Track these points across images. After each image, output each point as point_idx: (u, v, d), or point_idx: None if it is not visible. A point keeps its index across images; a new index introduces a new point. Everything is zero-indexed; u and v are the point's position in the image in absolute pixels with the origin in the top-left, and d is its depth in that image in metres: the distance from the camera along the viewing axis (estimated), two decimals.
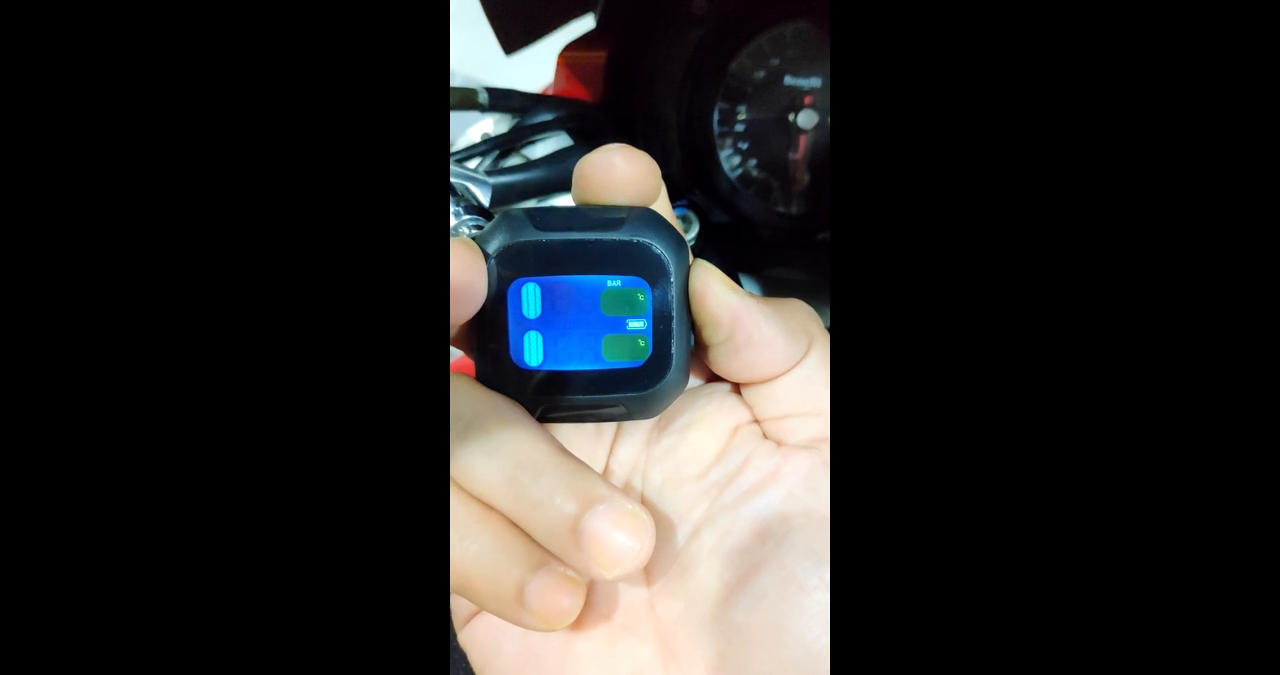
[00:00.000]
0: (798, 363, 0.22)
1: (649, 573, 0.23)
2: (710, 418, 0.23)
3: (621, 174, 0.22)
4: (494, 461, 0.20)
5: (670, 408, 0.24)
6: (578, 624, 0.23)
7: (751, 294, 0.22)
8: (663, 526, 0.23)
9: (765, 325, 0.22)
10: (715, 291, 0.22)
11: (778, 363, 0.22)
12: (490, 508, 0.20)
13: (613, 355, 0.22)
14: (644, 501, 0.23)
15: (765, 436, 0.23)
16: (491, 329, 0.22)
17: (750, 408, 0.24)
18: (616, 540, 0.19)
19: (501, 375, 0.22)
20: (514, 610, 0.19)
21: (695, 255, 0.23)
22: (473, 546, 0.19)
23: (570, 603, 0.19)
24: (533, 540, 0.20)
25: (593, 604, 0.23)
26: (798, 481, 0.22)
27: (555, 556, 0.20)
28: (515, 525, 0.20)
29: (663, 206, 0.24)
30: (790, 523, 0.21)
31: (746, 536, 0.21)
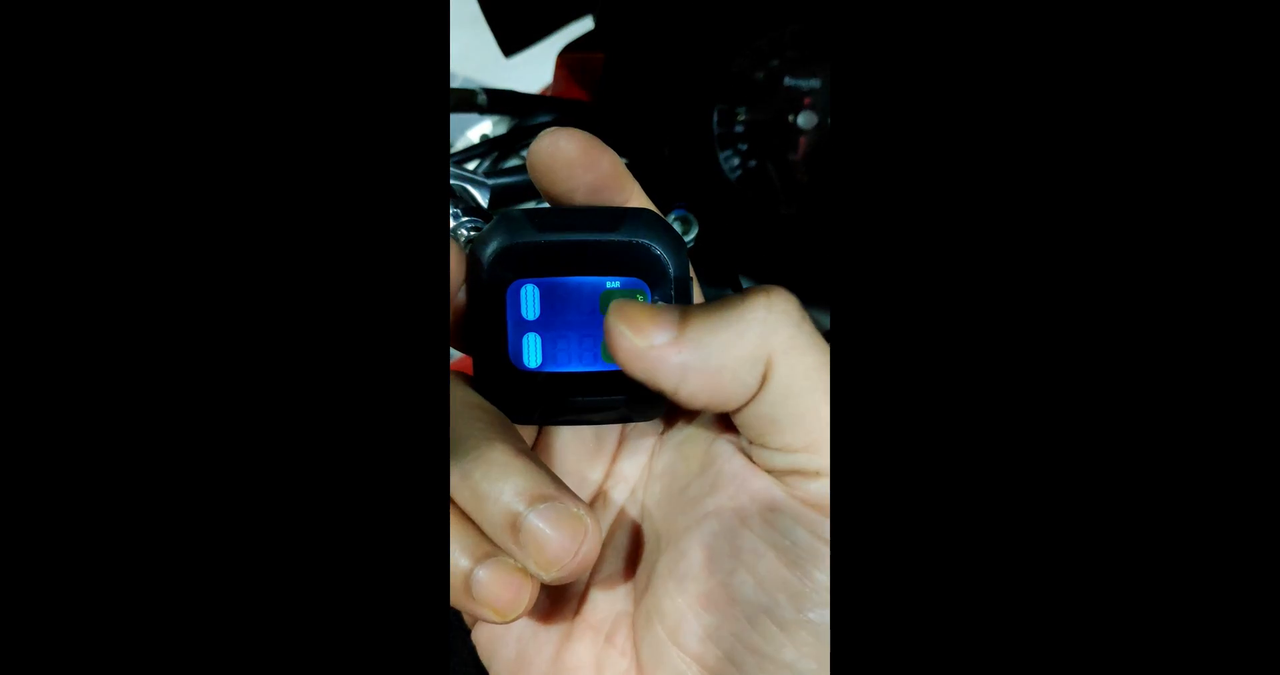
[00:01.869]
0: (754, 396, 0.20)
1: (634, 587, 0.23)
2: (700, 430, 0.23)
3: (567, 153, 0.21)
4: (453, 455, 0.19)
5: (672, 421, 0.24)
6: (568, 633, 0.23)
7: (683, 315, 0.19)
8: (649, 543, 0.23)
9: (693, 375, 0.19)
10: (622, 348, 0.19)
11: (721, 402, 0.20)
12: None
13: (612, 357, 0.22)
14: (643, 517, 0.23)
15: (741, 450, 0.22)
16: (490, 331, 0.22)
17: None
18: (556, 541, 0.18)
19: (500, 377, 0.22)
20: (464, 600, 0.19)
21: (694, 257, 0.23)
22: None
23: (517, 594, 0.19)
24: (482, 533, 0.20)
25: (583, 614, 0.23)
26: (755, 513, 0.20)
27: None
28: (469, 518, 0.20)
29: (636, 191, 0.23)
30: (740, 557, 0.20)
31: (697, 564, 0.21)
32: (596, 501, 0.24)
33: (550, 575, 0.19)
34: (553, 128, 0.21)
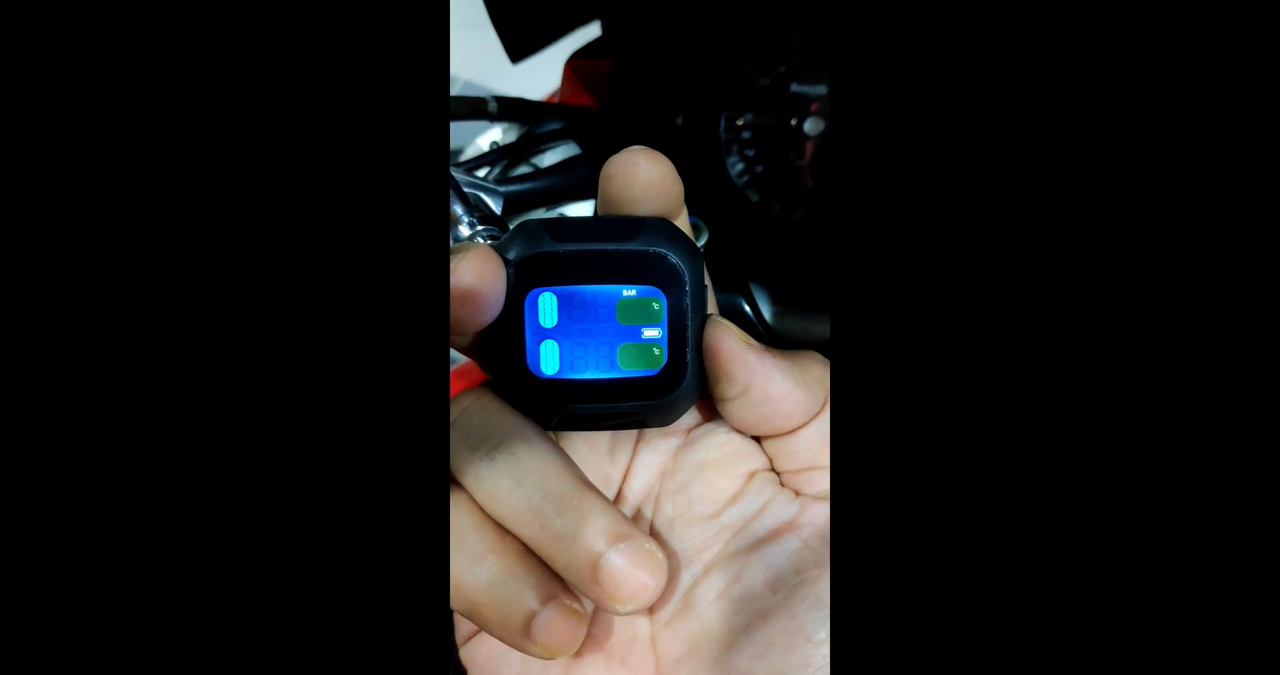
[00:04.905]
0: (815, 416, 0.22)
1: (652, 609, 0.23)
2: (728, 459, 0.23)
3: (645, 175, 0.22)
4: (520, 489, 0.20)
5: (689, 442, 0.24)
6: (578, 654, 0.23)
7: (768, 347, 0.22)
8: (671, 563, 0.23)
9: (780, 379, 0.22)
10: (728, 347, 0.22)
11: (794, 417, 0.22)
12: (506, 533, 0.20)
13: (628, 364, 0.22)
14: (654, 534, 0.24)
15: (783, 485, 0.23)
16: (507, 338, 0.22)
17: (770, 458, 0.24)
18: (635, 578, 0.19)
19: (517, 384, 0.22)
20: (519, 638, 0.20)
21: (705, 262, 0.23)
22: (485, 573, 0.20)
23: (574, 635, 0.20)
24: (544, 570, 0.20)
25: (594, 636, 0.23)
26: (814, 533, 0.22)
27: (564, 588, 0.20)
28: (529, 553, 0.20)
29: (682, 218, 0.24)
30: (803, 574, 0.21)
31: (757, 583, 0.21)
32: None
33: (625, 609, 0.20)
34: (637, 146, 0.22)
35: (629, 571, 0.19)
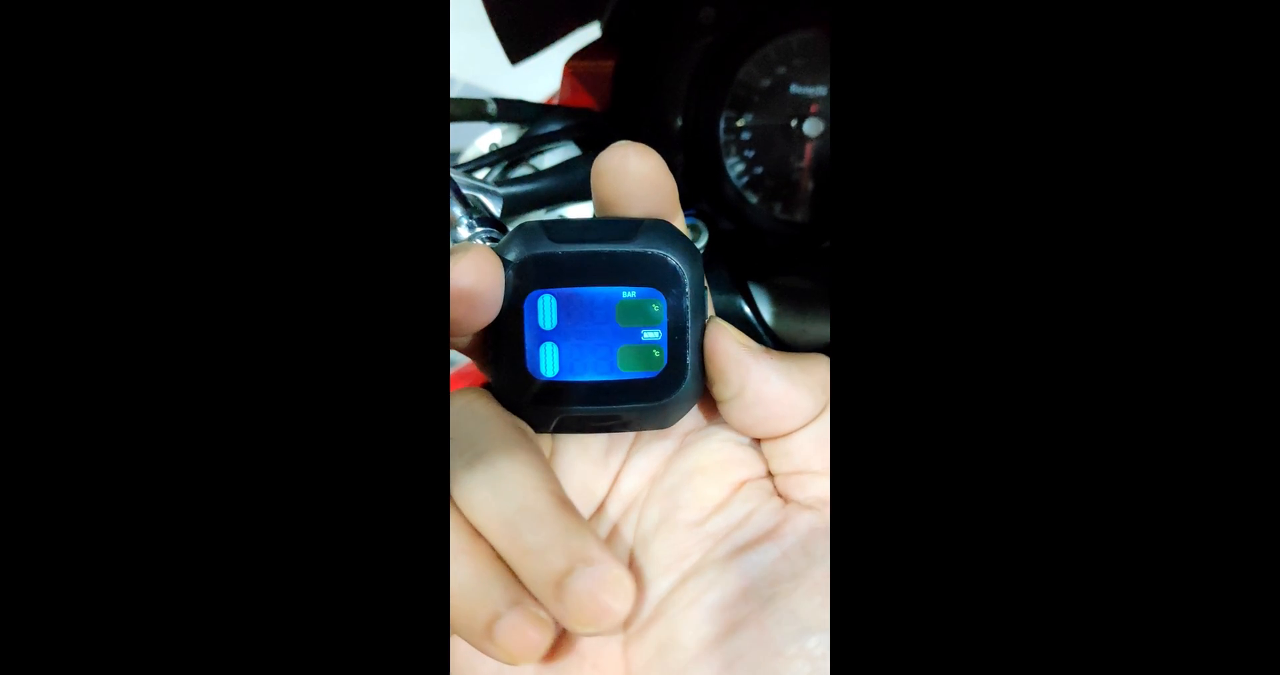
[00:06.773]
0: (813, 419, 0.22)
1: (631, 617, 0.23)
2: (719, 467, 0.23)
3: (636, 170, 0.22)
4: (496, 499, 0.20)
5: (683, 447, 0.24)
6: (550, 658, 0.23)
7: (767, 349, 0.22)
8: (649, 570, 0.23)
9: (776, 381, 0.21)
10: (724, 348, 0.22)
11: (790, 419, 0.22)
12: (479, 536, 0.20)
13: (628, 366, 0.22)
14: (637, 540, 0.23)
15: (775, 492, 0.23)
16: (507, 340, 0.22)
17: (765, 460, 0.23)
18: (598, 601, 0.19)
19: (516, 386, 0.22)
20: (482, 641, 0.19)
21: (705, 263, 0.23)
22: (454, 573, 0.20)
23: (538, 641, 0.19)
24: (512, 576, 0.20)
25: (568, 639, 0.23)
26: (795, 543, 0.21)
27: (532, 596, 0.20)
28: (499, 558, 0.20)
29: (678, 216, 0.24)
30: (778, 585, 0.21)
31: (731, 592, 0.21)
32: (595, 518, 0.24)
33: (587, 631, 0.19)
34: (626, 142, 0.22)
35: (593, 594, 0.19)
